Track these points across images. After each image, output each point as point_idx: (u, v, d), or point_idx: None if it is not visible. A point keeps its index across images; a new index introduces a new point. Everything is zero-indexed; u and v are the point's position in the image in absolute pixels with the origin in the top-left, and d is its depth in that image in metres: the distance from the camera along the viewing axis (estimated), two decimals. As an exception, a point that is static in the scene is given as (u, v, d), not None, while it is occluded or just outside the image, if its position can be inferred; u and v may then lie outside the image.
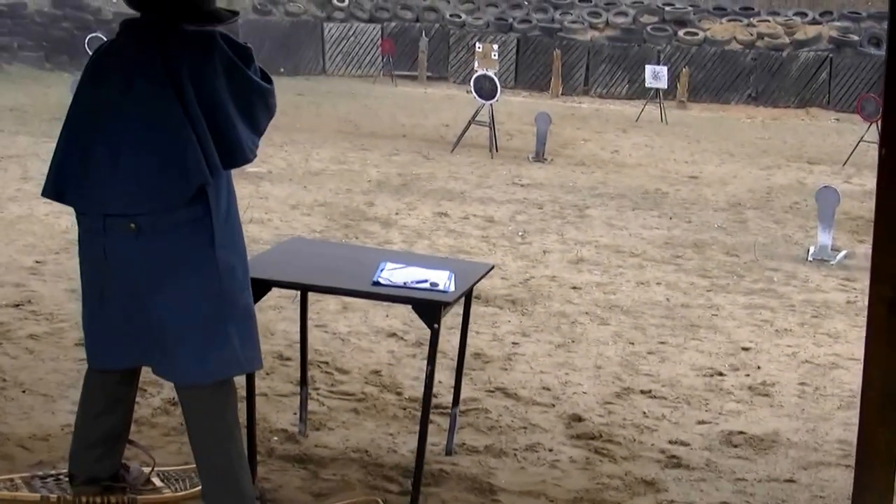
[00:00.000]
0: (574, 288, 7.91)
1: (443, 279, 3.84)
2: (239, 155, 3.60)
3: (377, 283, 3.82)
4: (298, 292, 4.72)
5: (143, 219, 3.48)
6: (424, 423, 3.94)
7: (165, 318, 3.54)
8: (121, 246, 3.53)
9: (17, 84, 22.22)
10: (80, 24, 26.04)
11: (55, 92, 21.42)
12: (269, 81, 3.71)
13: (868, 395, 3.15)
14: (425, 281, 3.81)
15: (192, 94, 3.48)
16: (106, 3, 27.42)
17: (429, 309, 3.69)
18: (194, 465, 4.17)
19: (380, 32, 29.50)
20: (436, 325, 3.69)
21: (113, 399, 3.86)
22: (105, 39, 21.21)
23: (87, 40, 22.63)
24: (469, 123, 16.04)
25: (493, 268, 4.55)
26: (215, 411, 3.66)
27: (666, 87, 23.95)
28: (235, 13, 3.82)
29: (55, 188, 3.64)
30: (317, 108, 21.20)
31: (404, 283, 3.80)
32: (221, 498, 3.67)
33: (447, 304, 3.72)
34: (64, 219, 9.25)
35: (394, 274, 3.87)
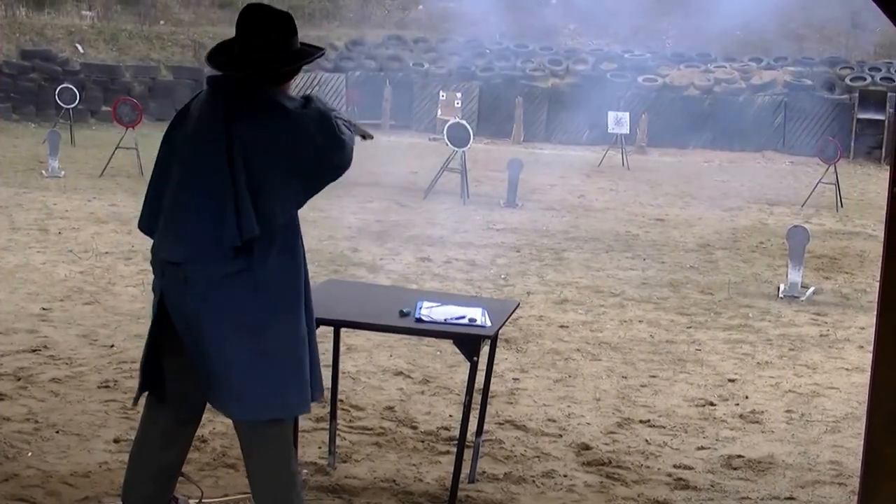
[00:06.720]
0: (562, 327, 8.26)
1: (478, 315, 4.16)
2: (270, 222, 3.71)
3: (420, 320, 4.14)
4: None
5: (191, 269, 3.69)
6: (460, 450, 4.24)
7: (213, 361, 3.73)
8: (173, 291, 3.75)
9: (-15, 136, 22.32)
10: (48, 75, 26.11)
11: (24, 143, 21.56)
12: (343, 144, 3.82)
13: (875, 417, 3.47)
14: (463, 317, 4.12)
15: (241, 157, 3.64)
16: (74, 54, 27.58)
17: (470, 343, 4.00)
18: (236, 497, 4.47)
19: (344, 82, 29.82)
20: (475, 358, 3.99)
21: (172, 438, 4.03)
22: (75, 90, 21.02)
23: (56, 91, 22.77)
24: (441, 170, 16.42)
25: (518, 305, 4.87)
26: (269, 445, 3.84)
27: (628, 132, 24.51)
28: (321, 50, 3.96)
29: (148, 226, 3.90)
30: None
31: (444, 320, 4.12)
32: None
33: (486, 338, 4.04)
34: (61, 267, 9.48)
35: (432, 311, 4.18)
